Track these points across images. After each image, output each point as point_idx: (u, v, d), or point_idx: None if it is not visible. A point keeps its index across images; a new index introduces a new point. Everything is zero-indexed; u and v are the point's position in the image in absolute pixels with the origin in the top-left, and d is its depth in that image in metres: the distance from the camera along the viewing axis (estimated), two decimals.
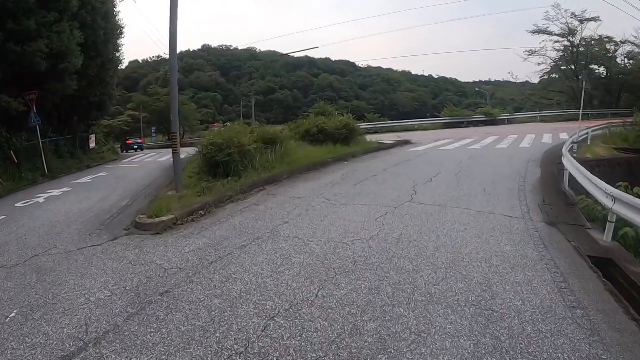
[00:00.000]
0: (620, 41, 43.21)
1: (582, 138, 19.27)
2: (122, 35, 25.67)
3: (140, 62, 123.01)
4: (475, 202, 8.45)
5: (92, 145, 27.41)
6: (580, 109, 19.27)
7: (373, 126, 34.39)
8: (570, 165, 10.19)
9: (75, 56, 18.16)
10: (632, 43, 42.78)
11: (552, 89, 49.14)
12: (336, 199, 8.89)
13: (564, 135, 23.18)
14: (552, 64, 45.83)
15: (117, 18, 25.00)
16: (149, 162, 24.71)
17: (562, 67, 45.96)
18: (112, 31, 23.94)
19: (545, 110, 41.69)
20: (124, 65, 31.54)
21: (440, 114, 37.97)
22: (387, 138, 24.54)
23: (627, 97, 43.88)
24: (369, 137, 22.62)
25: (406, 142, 21.27)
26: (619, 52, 44.11)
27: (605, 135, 21.77)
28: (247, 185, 10.44)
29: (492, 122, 35.77)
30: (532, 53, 45.20)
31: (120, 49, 25.71)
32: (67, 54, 17.62)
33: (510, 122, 36.99)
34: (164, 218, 7.86)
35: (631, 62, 43.36)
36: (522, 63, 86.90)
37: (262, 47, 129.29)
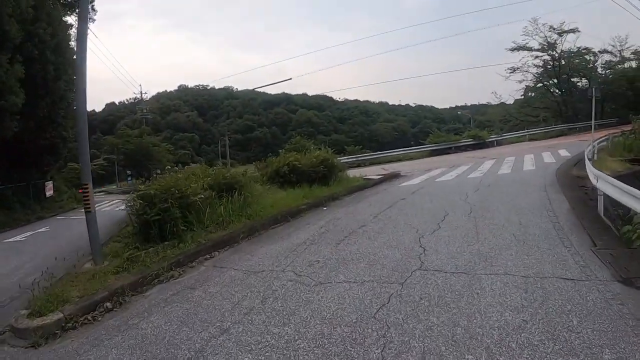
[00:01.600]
0: (599, 51, 43.24)
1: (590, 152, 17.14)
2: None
3: (117, 104, 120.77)
4: (511, 258, 5.91)
5: (49, 193, 24.33)
6: (591, 119, 17.05)
7: (355, 159, 31.74)
8: (611, 187, 7.95)
9: (15, 93, 15.34)
10: (610, 52, 43.22)
11: (536, 105, 47.89)
12: (310, 273, 5.99)
13: (564, 152, 21.79)
14: (534, 79, 44.94)
15: (71, 53, 22.20)
16: (105, 212, 21.45)
17: (545, 82, 45.01)
18: (63, 66, 21.14)
19: (532, 128, 39.76)
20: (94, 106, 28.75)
21: (426, 141, 35.59)
22: (372, 171, 21.95)
23: (610, 107, 42.87)
24: (351, 172, 19.96)
25: (395, 176, 18.58)
26: (598, 62, 43.85)
27: (607, 147, 19.82)
28: (188, 252, 7.57)
29: (480, 145, 33.57)
30: (514, 70, 44.00)
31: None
32: (3, 91, 14.92)
33: (499, 143, 34.84)
34: (48, 319, 5.16)
35: (610, 71, 43.31)
36: (502, 84, 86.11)
37: (239, 85, 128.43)
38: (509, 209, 9.13)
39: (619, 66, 43.55)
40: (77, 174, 43.21)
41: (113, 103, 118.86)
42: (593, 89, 16.78)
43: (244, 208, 10.07)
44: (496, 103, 50.87)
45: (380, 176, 17.80)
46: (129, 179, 56.05)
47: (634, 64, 43.65)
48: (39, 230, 15.83)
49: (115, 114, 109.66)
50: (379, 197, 12.64)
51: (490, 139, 34.79)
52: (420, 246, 6.77)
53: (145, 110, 67.62)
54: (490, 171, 16.94)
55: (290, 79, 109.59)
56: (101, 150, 56.30)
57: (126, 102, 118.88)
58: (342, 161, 31.12)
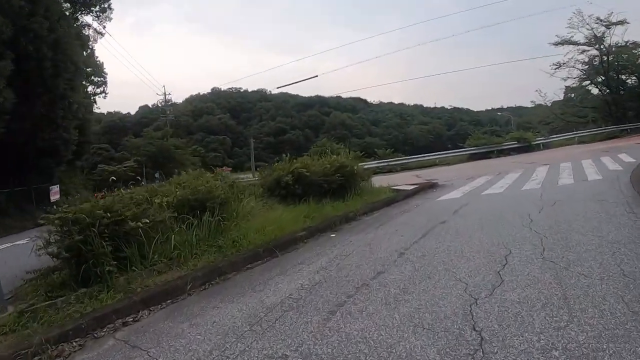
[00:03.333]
0: None
1: None
2: (88, 72, 20.88)
3: (150, 106, 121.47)
4: None
5: (54, 198, 21.96)
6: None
7: (386, 164, 28.76)
8: None
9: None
10: None
11: (584, 104, 43.52)
12: None
13: (625, 157, 18.30)
14: (579, 77, 40.66)
15: (75, 50, 20.19)
16: None
17: (592, 80, 40.68)
18: (64, 63, 19.08)
19: (581, 129, 36.00)
20: (101, 107, 26.99)
21: (464, 144, 32.07)
22: (404, 179, 19.04)
23: None
24: (380, 179, 17.25)
25: (431, 185, 15.32)
26: None
27: None
28: (102, 311, 4.80)
29: (525, 148, 30.10)
30: (559, 66, 39.65)
31: (83, 87, 20.83)
32: None
33: (546, 146, 31.36)
34: None
35: None
36: (546, 82, 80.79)
37: (272, 88, 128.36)
38: (598, 245, 5.81)
39: None
40: (111, 175, 43.20)
41: (146, 106, 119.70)
42: None
43: (216, 235, 7.20)
44: (540, 102, 45.92)
45: (413, 186, 14.68)
46: (157, 179, 54.47)
47: None
48: (18, 243, 13.54)
49: (148, 116, 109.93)
50: (410, 218, 9.52)
51: (536, 142, 31.11)
52: (474, 328, 3.63)
53: (168, 112, 66.08)
54: (548, 181, 13.44)
55: (317, 76, 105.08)
56: (131, 153, 55.57)
57: (159, 105, 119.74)
58: (371, 166, 28.60)
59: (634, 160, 17.08)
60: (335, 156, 12.88)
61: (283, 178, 10.97)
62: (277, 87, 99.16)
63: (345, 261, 6.41)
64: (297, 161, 11.75)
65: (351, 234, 8.47)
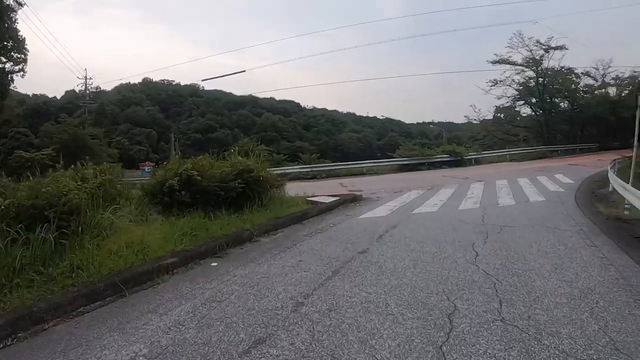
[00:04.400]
0: (581, 73, 42.27)
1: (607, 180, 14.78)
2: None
3: (77, 91, 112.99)
4: None
5: None
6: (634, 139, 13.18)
7: (309, 169, 26.99)
8: None
9: None
10: (591, 76, 42.41)
11: (517, 124, 45.88)
12: None
13: (562, 178, 18.30)
14: (517, 95, 42.60)
15: None
16: None
17: (527, 100, 42.98)
18: None
19: (512, 148, 37.21)
20: (26, 88, 22.91)
21: (395, 154, 31.19)
22: (326, 188, 17.36)
23: (589, 131, 42.33)
24: (300, 186, 16.02)
25: (354, 198, 13.52)
26: (581, 84, 42.76)
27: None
28: None
29: (457, 162, 29.80)
30: (495, 83, 41.51)
31: None
32: None
33: (477, 162, 31.36)
34: None
35: (589, 95, 42.54)
36: (479, 98, 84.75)
37: (206, 85, 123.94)
38: (569, 295, 4.63)
39: (598, 91, 43.38)
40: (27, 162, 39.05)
41: (73, 91, 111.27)
42: (638, 97, 12.63)
43: (53, 258, 5.17)
44: (474, 118, 47.59)
45: (333, 198, 12.83)
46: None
47: (614, 89, 43.56)
48: None
49: (74, 102, 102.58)
50: (321, 243, 7.61)
51: (468, 157, 30.98)
52: None
53: (88, 98, 61.00)
54: (487, 200, 12.36)
55: (244, 71, 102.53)
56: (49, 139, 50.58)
57: (81, 90, 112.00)
58: (294, 171, 26.76)
59: (572, 181, 17.04)
60: (240, 158, 10.85)
61: (167, 182, 8.77)
62: (203, 80, 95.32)
63: (215, 313, 4.44)
64: (189, 161, 9.60)
65: (239, 263, 6.47)
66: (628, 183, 11.40)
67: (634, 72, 41.47)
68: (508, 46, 39.91)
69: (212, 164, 10.05)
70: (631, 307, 4.32)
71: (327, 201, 12.10)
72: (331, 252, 6.75)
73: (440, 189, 15.71)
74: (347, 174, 27.12)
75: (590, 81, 42.73)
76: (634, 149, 12.63)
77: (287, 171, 25.49)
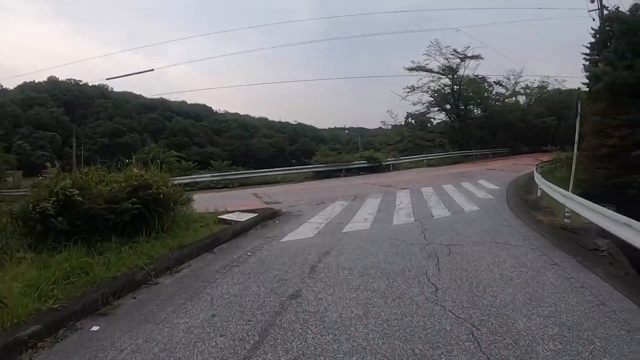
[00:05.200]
0: (494, 82, 45.48)
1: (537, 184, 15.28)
2: None
3: None
4: None
5: None
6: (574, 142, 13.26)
7: (220, 178, 25.14)
8: None
9: None
10: (503, 85, 46.33)
11: (432, 129, 47.82)
12: None
13: (486, 183, 18.62)
14: (427, 104, 44.41)
15: None
16: None
17: (442, 107, 44.76)
18: None
19: (429, 153, 38.09)
20: None
21: (311, 160, 30.23)
22: (240, 198, 16.28)
23: (500, 136, 45.30)
24: (210, 198, 14.71)
25: (273, 214, 12.01)
26: (493, 92, 46.24)
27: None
28: None
29: (374, 168, 29.46)
30: (412, 89, 42.55)
31: None
32: None
33: (395, 167, 31.32)
34: None
35: (499, 103, 46.34)
36: (394, 105, 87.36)
37: (116, 86, 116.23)
38: (562, 338, 4.03)
39: (508, 100, 47.85)
40: None
41: None
42: (578, 105, 12.56)
43: None
44: (386, 125, 50.38)
45: (249, 215, 11.13)
46: None
47: (524, 98, 48.64)
48: None
49: None
50: (239, 285, 5.88)
51: (386, 162, 30.81)
52: None
53: None
54: (420, 212, 11.63)
55: (152, 70, 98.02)
56: None
57: None
58: (205, 180, 24.76)
59: (497, 187, 17.21)
60: (136, 170, 9.04)
61: (40, 203, 6.89)
62: (108, 79, 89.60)
63: None
64: (68, 177, 7.72)
65: (130, 324, 4.67)
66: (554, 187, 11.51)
67: (542, 82, 45.79)
68: (426, 54, 41.29)
69: (101, 178, 8.24)
70: (628, 342, 3.97)
71: (242, 219, 10.50)
72: (254, 299, 5.24)
73: (365, 199, 14.84)
74: (261, 182, 25.60)
75: (502, 90, 46.26)
76: (574, 157, 12.55)
77: (196, 180, 23.85)
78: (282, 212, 12.31)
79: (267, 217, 11.38)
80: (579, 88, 44.12)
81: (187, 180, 22.03)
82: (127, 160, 9.59)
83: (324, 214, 11.96)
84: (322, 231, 9.63)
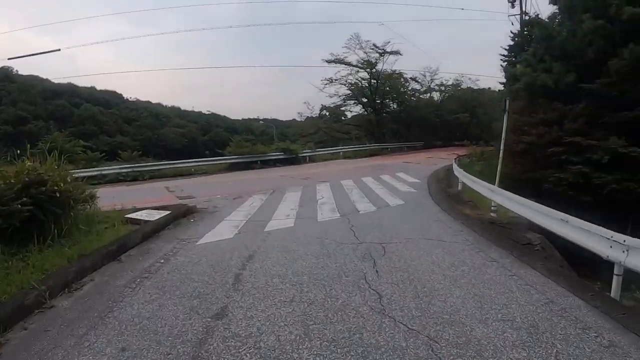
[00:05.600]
0: (410, 78, 46.67)
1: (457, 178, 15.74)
2: None
3: None
4: None
5: None
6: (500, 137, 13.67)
7: (130, 170, 23.26)
8: None
9: None
10: (418, 82, 47.70)
11: (349, 122, 48.40)
12: None
13: (404, 176, 18.82)
14: (344, 96, 44.58)
15: None
16: None
17: (359, 100, 45.19)
18: None
19: (344, 145, 38.18)
20: None
21: (225, 151, 29.07)
22: (151, 193, 15.34)
23: (415, 130, 46.81)
24: (119, 192, 13.75)
25: (187, 210, 11.00)
26: (409, 87, 47.39)
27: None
28: None
29: (291, 160, 29.10)
30: (331, 81, 42.66)
31: None
32: None
33: (312, 159, 31.14)
34: None
35: (414, 99, 47.76)
36: (311, 96, 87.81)
37: (21, 69, 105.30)
38: (527, 345, 3.87)
39: (423, 96, 49.55)
40: None
41: None
42: (506, 102, 12.75)
43: None
44: (302, 117, 50.81)
45: (161, 213, 10.01)
46: None
47: (438, 94, 50.44)
48: None
49: None
50: (151, 304, 4.86)
51: (303, 154, 30.49)
52: None
53: None
54: (343, 206, 11.21)
55: (59, 49, 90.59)
56: None
57: None
58: (113, 172, 22.94)
59: (417, 180, 17.37)
60: (29, 163, 7.69)
61: None
62: (9, 58, 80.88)
63: None
64: None
65: None
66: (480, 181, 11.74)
67: (457, 80, 47.91)
68: (345, 47, 41.60)
69: None
70: (585, 340, 3.98)
71: (153, 218, 9.42)
72: (172, 322, 4.34)
73: (284, 192, 14.26)
74: (173, 174, 24.09)
75: (417, 86, 47.62)
76: (501, 152, 12.69)
77: (104, 172, 22.04)
78: (197, 209, 11.37)
79: (181, 214, 10.39)
80: (489, 88, 47.85)
81: (94, 173, 20.59)
82: (27, 151, 8.21)
83: (243, 210, 11.17)
84: (243, 230, 8.83)
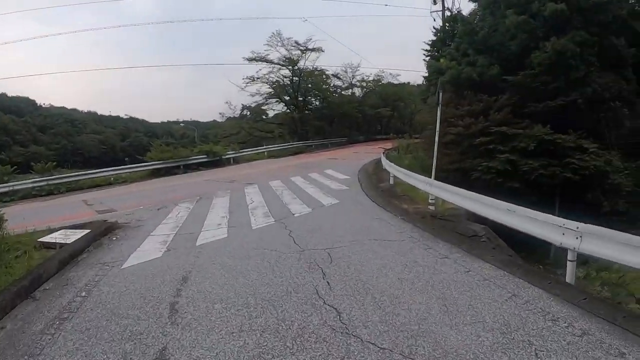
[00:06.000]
0: (332, 74, 46.62)
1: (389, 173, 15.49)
2: None
3: None
4: None
5: None
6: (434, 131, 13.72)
7: (45, 183, 21.15)
8: None
9: None
10: (340, 78, 47.78)
11: (272, 120, 47.24)
12: None
13: (334, 173, 18.37)
14: (271, 92, 43.47)
15: None
16: None
17: (281, 98, 44.44)
18: None
19: (268, 144, 37.40)
20: None
21: (146, 157, 27.38)
22: (68, 209, 13.88)
23: (337, 126, 47.15)
24: (32, 209, 12.99)
25: (108, 228, 9.65)
26: (331, 84, 47.29)
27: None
28: None
29: (215, 162, 28.05)
30: (253, 80, 41.51)
31: None
32: None
33: (236, 160, 30.19)
34: None
35: (336, 95, 47.75)
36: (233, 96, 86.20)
37: None
38: (506, 347, 3.74)
39: (345, 92, 49.61)
40: None
41: None
42: (440, 94, 12.67)
43: None
44: (225, 117, 48.88)
45: (80, 233, 8.73)
46: None
47: (359, 90, 50.78)
48: None
49: None
50: (74, 355, 3.98)
51: (227, 156, 29.52)
52: None
53: None
54: (277, 210, 10.64)
55: None
56: None
57: None
58: (27, 187, 21.01)
59: (347, 176, 17.22)
60: None
61: None
62: None
63: None
64: None
65: None
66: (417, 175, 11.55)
67: (377, 75, 48.92)
68: (267, 44, 40.70)
69: None
70: (558, 333, 3.94)
71: (70, 239, 8.19)
72: None
73: (212, 199, 13.37)
74: (92, 185, 22.14)
75: (339, 83, 47.78)
76: (436, 145, 12.61)
77: (15, 188, 20.07)
78: (119, 224, 10.16)
79: (102, 232, 9.15)
80: (408, 82, 49.81)
81: (5, 189, 19.15)
82: None
83: (170, 222, 10.20)
84: (172, 247, 7.85)
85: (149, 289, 5.63)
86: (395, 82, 50.11)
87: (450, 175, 14.46)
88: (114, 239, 8.96)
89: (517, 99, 15.26)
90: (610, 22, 15.45)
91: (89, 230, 9.02)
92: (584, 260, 6.41)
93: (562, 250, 5.79)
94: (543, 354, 3.56)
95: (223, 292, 5.31)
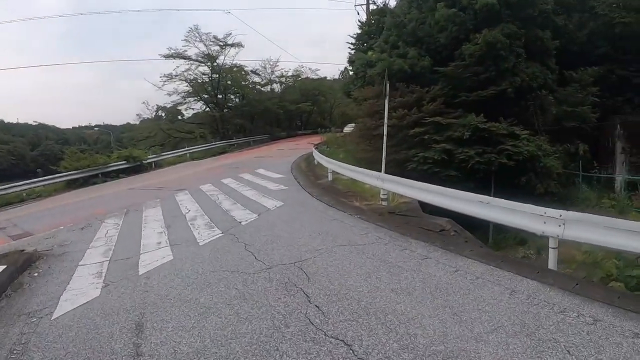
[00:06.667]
0: (251, 70, 46.25)
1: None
2: None
3: None
4: None
5: None
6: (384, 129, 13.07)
7: None
8: None
9: None
10: (258, 74, 47.80)
11: (191, 120, 45.78)
12: None
13: (266, 172, 18.08)
14: (189, 91, 41.65)
15: None
16: None
17: (200, 96, 42.87)
18: None
19: (189, 146, 35.96)
20: None
21: (60, 167, 24.93)
22: None
23: (259, 123, 46.83)
24: None
25: (27, 259, 7.66)
26: (250, 80, 46.72)
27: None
28: None
29: (136, 168, 26.37)
30: (170, 78, 39.71)
31: None
32: None
33: (158, 165, 28.73)
34: None
35: (256, 91, 47.21)
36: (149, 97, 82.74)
37: None
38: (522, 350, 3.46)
39: (265, 88, 49.30)
40: None
41: None
42: (386, 85, 12.34)
43: None
44: (141, 119, 47.08)
45: None
46: None
47: (279, 85, 51.06)
48: None
49: None
50: None
51: (148, 160, 28.01)
52: None
53: None
54: (220, 220, 9.63)
55: None
56: None
57: None
58: None
59: (281, 175, 16.84)
60: None
61: None
62: None
63: None
64: None
65: None
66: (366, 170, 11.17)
67: (297, 70, 49.49)
68: (185, 39, 39.18)
69: None
70: (574, 325, 3.92)
71: None
72: None
73: (141, 211, 11.85)
74: (1, 203, 19.75)
75: (258, 79, 47.35)
76: (384, 139, 12.18)
77: None
78: (39, 253, 8.21)
79: (20, 267, 7.22)
80: (325, 77, 51.12)
81: None
82: None
83: (99, 245, 8.56)
84: (110, 279, 6.25)
85: (96, 350, 4.13)
86: (315, 76, 50.31)
87: (385, 167, 14.38)
88: (36, 274, 7.05)
89: (449, 90, 15.76)
90: (536, 16, 16.61)
91: (3, 267, 6.91)
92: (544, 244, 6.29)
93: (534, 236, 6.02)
94: (573, 349, 3.50)
95: (194, 339, 4.12)
